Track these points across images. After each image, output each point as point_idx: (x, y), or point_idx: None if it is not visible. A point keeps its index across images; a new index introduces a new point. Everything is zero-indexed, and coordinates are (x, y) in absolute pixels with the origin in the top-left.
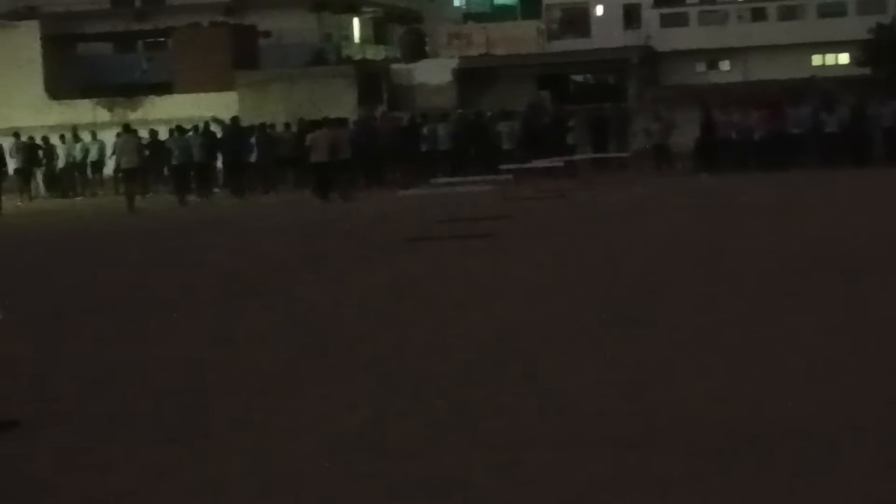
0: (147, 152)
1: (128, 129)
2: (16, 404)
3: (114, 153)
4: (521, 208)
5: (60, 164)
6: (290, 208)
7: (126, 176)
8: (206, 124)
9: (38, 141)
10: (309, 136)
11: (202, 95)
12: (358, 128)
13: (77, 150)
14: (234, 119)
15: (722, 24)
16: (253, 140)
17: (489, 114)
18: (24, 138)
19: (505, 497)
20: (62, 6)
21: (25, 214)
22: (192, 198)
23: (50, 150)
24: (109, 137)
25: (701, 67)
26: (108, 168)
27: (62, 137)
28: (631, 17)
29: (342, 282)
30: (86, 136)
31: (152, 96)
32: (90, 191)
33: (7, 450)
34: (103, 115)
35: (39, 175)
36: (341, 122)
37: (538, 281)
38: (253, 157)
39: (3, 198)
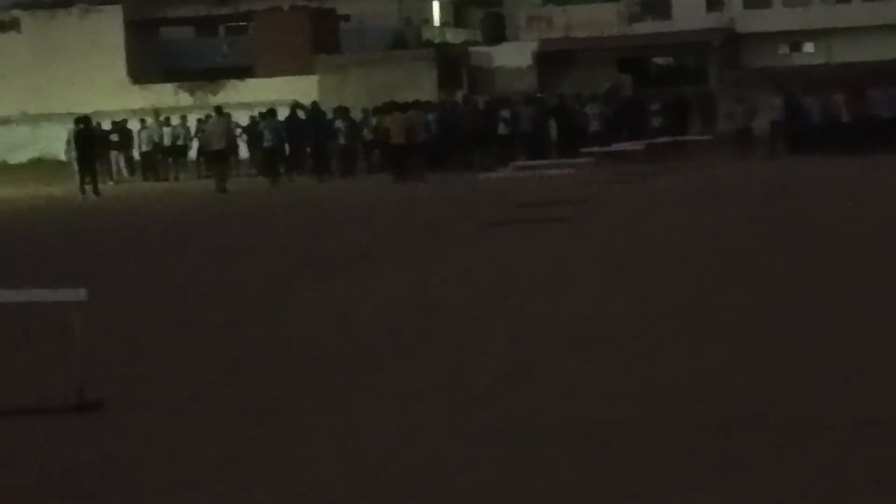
0: (240, 133)
1: (219, 112)
2: (100, 385)
3: (196, 136)
4: (601, 192)
5: (143, 147)
6: (371, 191)
7: (215, 157)
8: (293, 108)
9: (109, 126)
10: (387, 119)
11: (282, 79)
12: (445, 111)
13: (165, 134)
14: (315, 104)
15: (806, 6)
16: (337, 124)
17: (572, 96)
18: (102, 123)
19: (589, 481)
20: None
21: (119, 197)
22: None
23: (127, 133)
24: (190, 121)
25: (784, 50)
26: (192, 152)
27: (142, 122)
28: None
29: (424, 265)
30: (173, 121)
31: (233, 80)
32: (173, 174)
33: (90, 430)
34: (185, 98)
35: (122, 159)
36: (423, 105)
37: (618, 265)
38: (338, 141)
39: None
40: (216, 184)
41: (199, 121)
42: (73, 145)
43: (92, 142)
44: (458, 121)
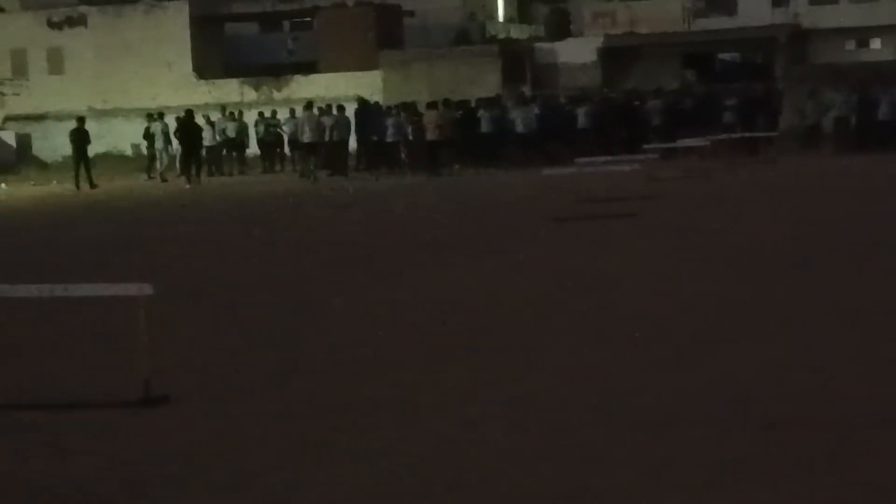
0: (331, 127)
1: (308, 106)
2: (167, 380)
3: (279, 129)
4: (666, 188)
5: (208, 142)
6: (437, 187)
7: (308, 150)
8: (360, 103)
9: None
10: (425, 115)
11: (347, 75)
12: (546, 105)
13: (230, 128)
14: (375, 103)
15: (873, 2)
16: (389, 122)
17: (636, 93)
18: (164, 118)
19: (650, 473)
20: None
21: (207, 192)
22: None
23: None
24: (248, 117)
25: (850, 46)
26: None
27: (206, 118)
28: None
29: (491, 261)
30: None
31: (298, 76)
32: (239, 169)
33: (158, 424)
34: (250, 94)
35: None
36: (488, 101)
37: (682, 262)
38: (390, 137)
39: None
40: (307, 174)
41: (262, 114)
42: (168, 138)
43: (193, 133)
44: (559, 115)
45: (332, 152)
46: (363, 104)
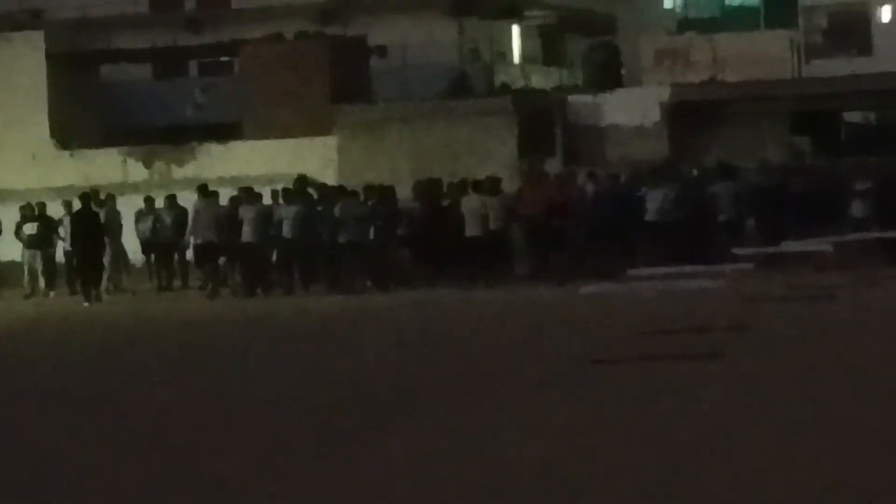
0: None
1: (205, 193)
2: None
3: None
4: (766, 314)
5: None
6: (434, 306)
7: (204, 252)
8: (298, 186)
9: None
10: (463, 201)
11: (285, 142)
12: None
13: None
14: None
15: None
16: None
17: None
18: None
19: None
20: (78, 10)
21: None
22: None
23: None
24: (138, 203)
25: None
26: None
27: (67, 206)
28: None
29: (506, 415)
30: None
31: (210, 144)
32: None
33: None
34: (137, 171)
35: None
36: (492, 182)
37: (797, 431)
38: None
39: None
40: (207, 287)
41: (150, 200)
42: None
43: (94, 227)
44: (620, 201)
45: (250, 258)
46: (302, 185)
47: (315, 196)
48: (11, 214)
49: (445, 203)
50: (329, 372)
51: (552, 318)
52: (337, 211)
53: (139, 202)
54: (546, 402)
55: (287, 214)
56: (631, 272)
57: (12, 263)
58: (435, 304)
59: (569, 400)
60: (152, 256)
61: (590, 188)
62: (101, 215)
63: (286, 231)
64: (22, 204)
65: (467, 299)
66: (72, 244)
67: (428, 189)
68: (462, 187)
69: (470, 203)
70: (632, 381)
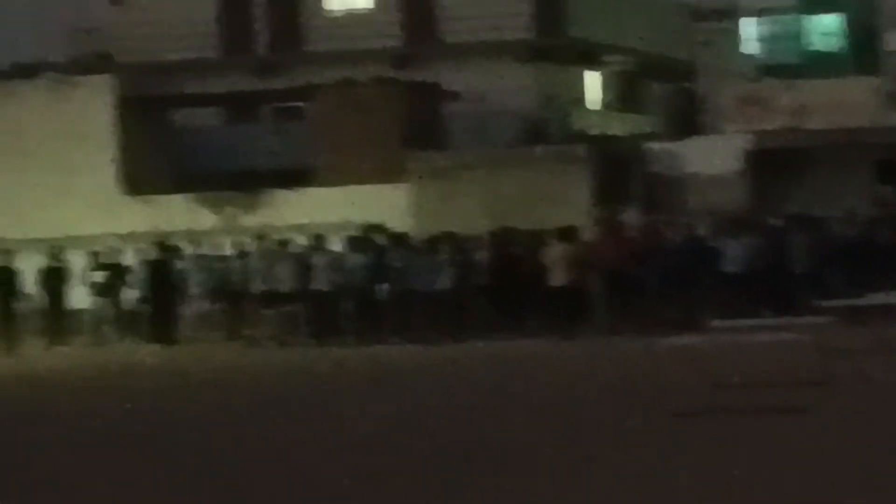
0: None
1: (277, 241)
2: None
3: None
4: (850, 369)
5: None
6: (512, 358)
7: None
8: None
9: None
10: (541, 250)
11: (357, 189)
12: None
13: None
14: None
15: None
16: (439, 258)
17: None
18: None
19: None
20: (148, 54)
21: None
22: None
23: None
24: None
25: None
26: None
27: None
28: None
29: (591, 471)
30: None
31: (283, 190)
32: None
33: None
34: (206, 218)
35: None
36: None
37: (885, 488)
38: (441, 285)
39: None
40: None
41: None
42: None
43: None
44: (700, 253)
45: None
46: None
47: (386, 244)
48: (80, 261)
49: (521, 252)
50: (408, 425)
51: (632, 370)
52: (408, 259)
53: (208, 249)
54: (629, 456)
55: (356, 262)
56: (714, 323)
57: (82, 311)
58: (513, 356)
59: (650, 448)
60: (221, 304)
61: (668, 238)
62: (174, 263)
63: (355, 279)
64: (90, 250)
65: (545, 351)
66: (145, 292)
67: (504, 237)
68: (539, 236)
69: (548, 252)
70: (712, 434)
